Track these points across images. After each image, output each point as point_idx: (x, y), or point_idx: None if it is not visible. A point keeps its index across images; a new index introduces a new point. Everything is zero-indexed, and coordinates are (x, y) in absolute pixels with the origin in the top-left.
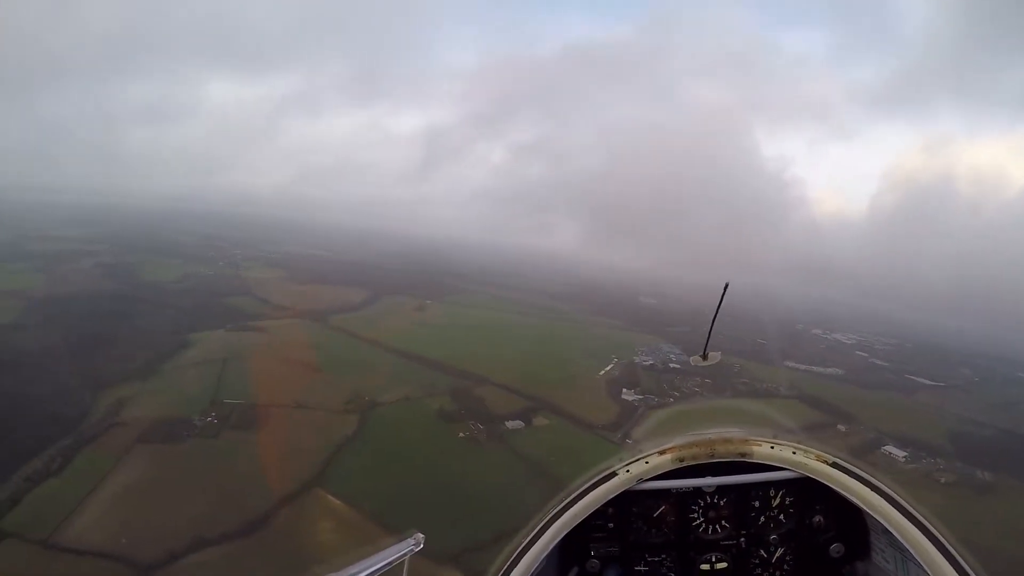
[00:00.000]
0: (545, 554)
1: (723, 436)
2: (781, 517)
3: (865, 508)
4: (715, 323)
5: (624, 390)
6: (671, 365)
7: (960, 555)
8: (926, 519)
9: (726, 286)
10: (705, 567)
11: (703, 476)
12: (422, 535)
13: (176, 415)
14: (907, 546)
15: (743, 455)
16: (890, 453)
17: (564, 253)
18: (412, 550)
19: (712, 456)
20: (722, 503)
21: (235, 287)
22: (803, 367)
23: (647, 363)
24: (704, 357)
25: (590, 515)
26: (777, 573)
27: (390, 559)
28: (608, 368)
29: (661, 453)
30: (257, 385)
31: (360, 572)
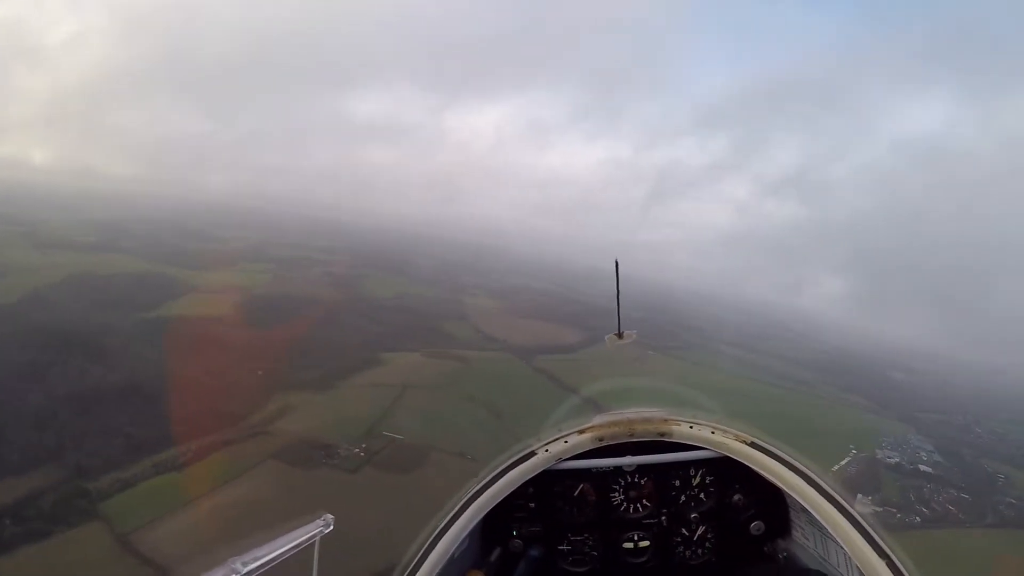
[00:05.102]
0: (465, 534)
1: (642, 415)
2: (701, 496)
3: (784, 487)
4: (619, 300)
5: (859, 496)
6: (921, 467)
7: (877, 533)
8: (843, 499)
9: (616, 264)
10: (628, 545)
11: (623, 455)
12: (331, 516)
13: (325, 437)
14: (825, 524)
15: (662, 434)
16: None
17: (817, 315)
18: (322, 531)
19: (631, 435)
20: (643, 482)
21: (452, 312)
22: None
23: (891, 460)
24: (620, 336)
25: (511, 495)
26: (699, 551)
27: (299, 540)
28: (843, 463)
29: (580, 432)
30: (425, 421)
31: (268, 553)
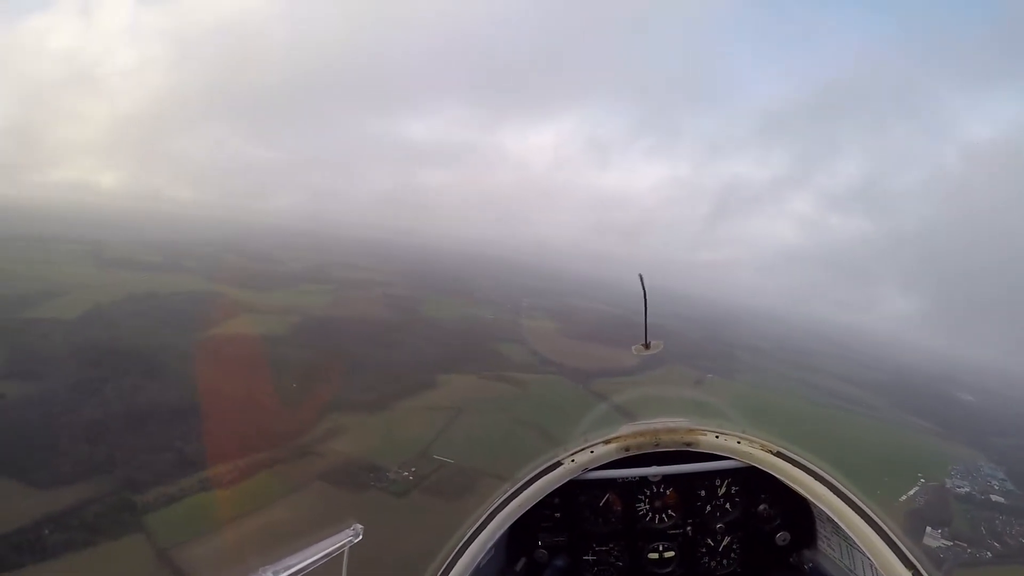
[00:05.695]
0: (491, 543)
1: (668, 426)
2: (727, 506)
3: (810, 497)
4: (646, 312)
5: (928, 530)
6: (992, 497)
7: (904, 544)
8: (870, 509)
9: (641, 277)
10: (653, 556)
11: (649, 465)
12: (360, 525)
13: (375, 459)
14: (851, 535)
15: (688, 444)
16: None
17: (883, 333)
18: (351, 541)
19: (657, 445)
20: (668, 492)
21: (509, 334)
22: None
23: (962, 490)
24: (647, 346)
25: (537, 505)
26: (724, 561)
27: (329, 550)
28: (912, 492)
29: (606, 442)
30: (478, 445)
31: (298, 563)
